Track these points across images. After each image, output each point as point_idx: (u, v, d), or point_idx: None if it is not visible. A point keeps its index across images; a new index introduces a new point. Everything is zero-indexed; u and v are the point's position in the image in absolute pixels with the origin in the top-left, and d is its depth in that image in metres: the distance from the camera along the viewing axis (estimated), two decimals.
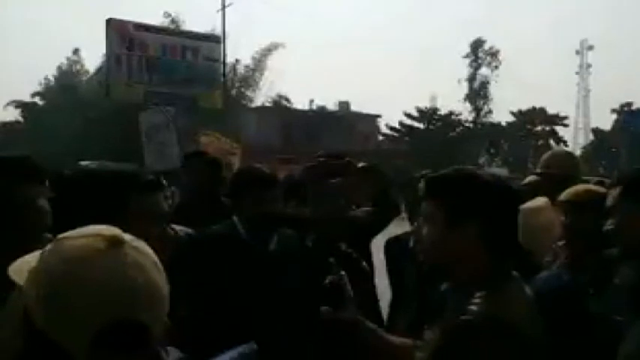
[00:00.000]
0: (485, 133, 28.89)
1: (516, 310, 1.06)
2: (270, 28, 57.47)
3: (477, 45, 30.29)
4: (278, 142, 21.23)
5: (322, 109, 29.27)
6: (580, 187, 2.03)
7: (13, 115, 29.80)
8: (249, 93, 26.53)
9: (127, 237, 0.78)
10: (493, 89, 30.39)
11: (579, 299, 1.69)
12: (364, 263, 2.37)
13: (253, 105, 26.40)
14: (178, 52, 13.27)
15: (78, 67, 32.14)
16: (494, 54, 30.19)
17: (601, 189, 1.93)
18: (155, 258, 0.79)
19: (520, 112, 31.00)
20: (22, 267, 0.78)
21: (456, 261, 1.15)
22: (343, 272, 1.34)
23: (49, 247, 0.77)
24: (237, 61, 24.71)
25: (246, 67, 25.68)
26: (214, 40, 14.67)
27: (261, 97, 26.98)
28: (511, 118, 31.02)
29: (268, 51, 25.93)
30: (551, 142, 29.79)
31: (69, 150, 15.85)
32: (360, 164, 1.95)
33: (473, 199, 1.13)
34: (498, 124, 30.09)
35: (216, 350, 1.49)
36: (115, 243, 0.75)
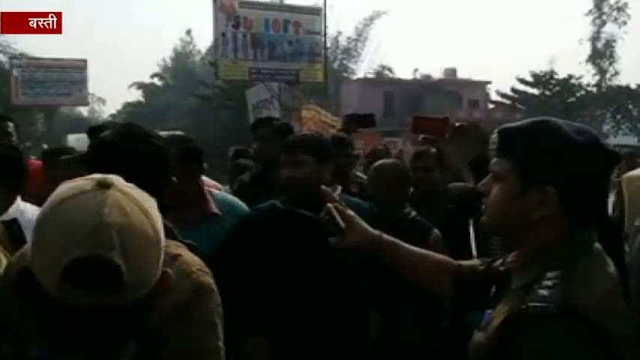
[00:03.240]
0: (610, 98, 26.06)
1: (594, 295, 0.87)
2: None
3: None
4: (379, 113, 20.90)
5: (427, 78, 28.28)
6: None
7: (135, 95, 32.52)
8: (351, 65, 26.38)
9: (119, 182, 0.79)
10: (620, 48, 27.33)
11: None
12: (436, 230, 2.24)
13: (355, 77, 26.21)
14: (280, 26, 13.40)
15: (190, 47, 34.06)
16: (621, 8, 26.95)
17: None
18: (146, 205, 0.79)
19: None
20: None
21: (527, 231, 0.97)
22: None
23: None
24: (339, 33, 24.60)
25: (349, 38, 25.47)
26: (315, 12, 14.60)
27: (364, 68, 26.69)
28: None
29: (370, 20, 25.49)
30: None
31: (181, 128, 16.85)
32: (458, 123, 1.68)
33: (554, 161, 0.94)
34: (627, 87, 26.92)
35: None
36: (102, 185, 0.76)
